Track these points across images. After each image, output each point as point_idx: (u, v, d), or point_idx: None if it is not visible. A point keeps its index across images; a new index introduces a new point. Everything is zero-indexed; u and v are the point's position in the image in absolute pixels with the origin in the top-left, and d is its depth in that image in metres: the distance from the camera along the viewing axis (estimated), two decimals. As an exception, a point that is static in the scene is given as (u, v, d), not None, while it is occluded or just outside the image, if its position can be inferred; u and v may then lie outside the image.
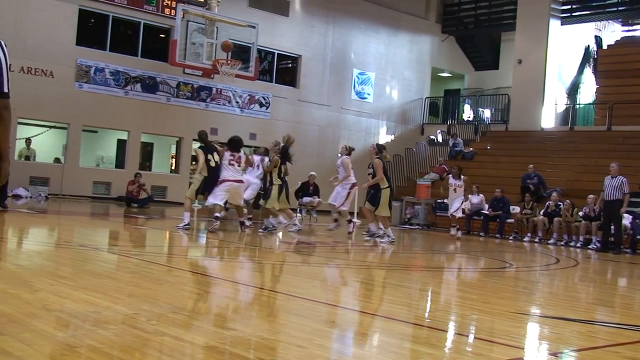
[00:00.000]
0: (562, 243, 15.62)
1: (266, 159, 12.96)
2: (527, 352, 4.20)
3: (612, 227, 14.14)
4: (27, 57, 18.40)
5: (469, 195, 17.21)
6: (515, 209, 17.34)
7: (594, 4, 24.62)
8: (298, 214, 16.80)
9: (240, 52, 20.41)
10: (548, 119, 24.08)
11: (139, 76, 20.45)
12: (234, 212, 12.84)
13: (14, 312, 3.97)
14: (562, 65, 24.85)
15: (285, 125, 23.13)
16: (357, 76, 25.45)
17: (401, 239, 14.86)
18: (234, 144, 11.60)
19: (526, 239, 16.32)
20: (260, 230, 12.34)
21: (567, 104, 24.78)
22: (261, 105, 22.99)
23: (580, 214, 15.55)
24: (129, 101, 20.29)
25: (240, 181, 11.66)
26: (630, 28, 26.70)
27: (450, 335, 4.58)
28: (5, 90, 3.35)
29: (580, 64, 25.68)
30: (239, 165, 11.54)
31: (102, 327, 3.77)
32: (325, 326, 4.52)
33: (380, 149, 12.13)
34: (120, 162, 21.62)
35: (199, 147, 12.17)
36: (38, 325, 3.69)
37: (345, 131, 25.08)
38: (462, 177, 14.92)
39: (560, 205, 16.11)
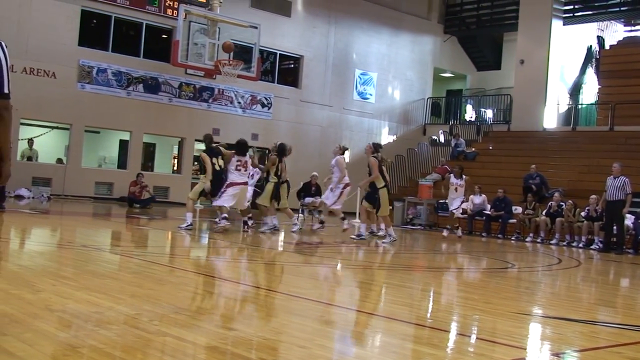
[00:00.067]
0: (564, 243, 15.59)
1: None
2: (529, 352, 4.20)
3: (615, 227, 14.12)
4: (29, 58, 18.43)
5: (471, 196, 17.20)
6: (518, 209, 17.32)
7: (596, 4, 24.59)
8: (300, 215, 16.81)
9: (242, 53, 20.43)
10: (550, 119, 24.05)
11: (141, 77, 20.46)
12: (235, 213, 12.85)
13: (16, 312, 3.98)
14: (564, 65, 24.82)
15: (287, 126, 23.16)
16: (359, 76, 25.45)
17: (403, 239, 14.85)
18: (241, 148, 11.74)
19: (528, 239, 16.30)
20: (263, 229, 12.42)
21: (569, 104, 24.75)
22: (263, 105, 23.00)
23: (583, 214, 15.53)
24: (131, 102, 20.31)
25: (246, 183, 11.83)
26: (633, 28, 26.64)
27: (452, 335, 4.57)
28: (6, 91, 3.35)
29: (583, 64, 25.65)
30: (245, 170, 11.65)
31: (104, 327, 3.78)
32: (326, 326, 4.52)
33: (376, 147, 12.12)
34: (122, 163, 21.64)
35: (204, 152, 12.17)
36: (40, 326, 3.69)
37: (347, 131, 25.08)
38: (463, 176, 14.91)
39: (562, 205, 16.09)
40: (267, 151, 13.69)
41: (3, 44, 3.40)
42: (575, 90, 25.34)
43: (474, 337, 4.55)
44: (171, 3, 20.66)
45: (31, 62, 18.54)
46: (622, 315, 6.28)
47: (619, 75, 22.93)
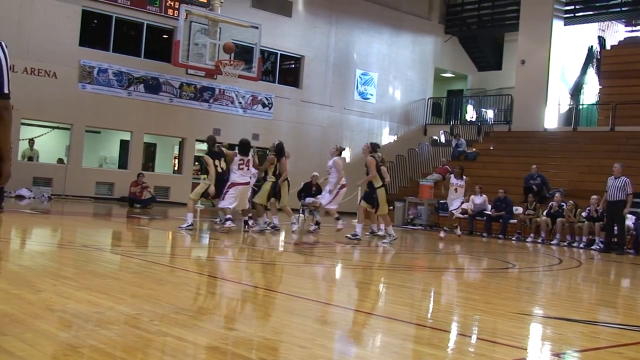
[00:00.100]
0: (565, 244, 15.59)
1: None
2: (530, 352, 4.20)
3: (615, 227, 14.11)
4: (30, 58, 18.44)
5: (472, 196, 17.20)
6: (518, 210, 17.32)
7: (597, 5, 24.57)
8: (300, 215, 16.80)
9: (243, 53, 20.43)
10: (551, 120, 24.04)
11: (142, 77, 20.47)
12: (236, 212, 12.86)
13: (17, 312, 3.98)
14: (565, 65, 24.81)
15: (288, 126, 23.15)
16: (359, 77, 25.45)
17: (404, 239, 14.85)
18: (244, 148, 11.80)
19: (529, 239, 16.29)
20: (267, 228, 12.49)
21: (570, 105, 24.74)
22: (264, 105, 23.00)
23: (584, 214, 15.52)
24: (132, 102, 20.31)
25: (247, 183, 11.88)
26: (634, 29, 26.62)
27: (453, 335, 4.57)
28: (6, 91, 3.36)
29: (584, 64, 25.63)
30: (247, 169, 11.70)
31: (104, 327, 3.78)
32: (327, 326, 4.52)
33: (374, 147, 12.12)
34: (123, 163, 21.64)
35: (207, 154, 12.15)
36: (41, 326, 3.70)
37: (348, 132, 25.09)
38: (464, 177, 14.88)
39: (563, 205, 16.08)
40: (267, 151, 13.69)
41: (3, 44, 3.41)
42: (576, 91, 25.32)
43: (474, 337, 4.55)
44: (172, 3, 20.67)
45: (32, 62, 18.54)
46: (622, 315, 6.28)
47: (620, 76, 22.92)
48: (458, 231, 15.36)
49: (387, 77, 26.37)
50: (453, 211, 14.99)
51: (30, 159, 19.37)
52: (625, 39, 26.05)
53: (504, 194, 17.40)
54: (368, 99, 25.73)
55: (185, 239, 10.91)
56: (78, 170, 19.62)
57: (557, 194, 16.74)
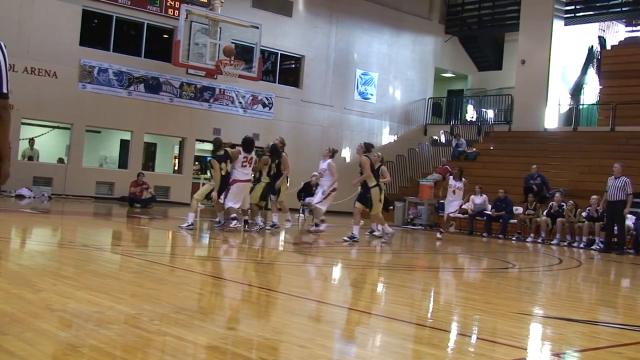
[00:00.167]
0: (565, 244, 15.59)
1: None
2: (530, 352, 4.20)
3: (616, 227, 14.11)
4: (30, 58, 18.44)
5: (472, 196, 17.21)
6: (518, 210, 17.32)
7: (597, 5, 24.56)
8: (300, 215, 16.83)
9: (243, 53, 20.43)
10: (551, 120, 24.03)
11: (142, 76, 20.47)
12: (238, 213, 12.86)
13: (17, 311, 3.98)
14: (565, 65, 24.81)
15: (288, 126, 23.14)
16: (360, 76, 25.45)
17: (404, 239, 14.85)
18: (248, 145, 11.85)
19: (529, 239, 16.29)
20: (267, 228, 12.52)
21: (570, 105, 24.74)
22: (264, 105, 23.00)
23: (584, 214, 15.52)
24: (132, 101, 20.31)
25: (249, 180, 11.97)
26: (634, 29, 26.62)
27: (453, 335, 4.57)
28: (5, 90, 3.36)
29: (584, 64, 25.63)
30: (250, 166, 11.79)
31: (104, 327, 3.78)
32: (327, 326, 4.52)
33: (367, 147, 12.13)
34: (123, 163, 21.64)
35: (213, 157, 12.11)
36: (41, 325, 3.70)
37: (348, 131, 25.09)
38: (462, 179, 14.82)
39: (563, 205, 16.08)
40: (263, 149, 13.71)
41: (2, 44, 3.40)
42: (577, 91, 25.32)
43: (474, 337, 4.55)
44: (172, 3, 20.67)
45: (32, 62, 18.55)
46: (622, 315, 6.28)
47: (620, 76, 22.93)
48: (452, 229, 15.30)
49: (388, 77, 26.37)
50: (450, 214, 14.87)
51: (30, 158, 19.37)
52: (625, 39, 26.05)
53: (504, 194, 17.39)
54: (368, 98, 25.72)
55: (185, 238, 10.91)
56: (78, 170, 19.62)
57: (557, 194, 16.74)
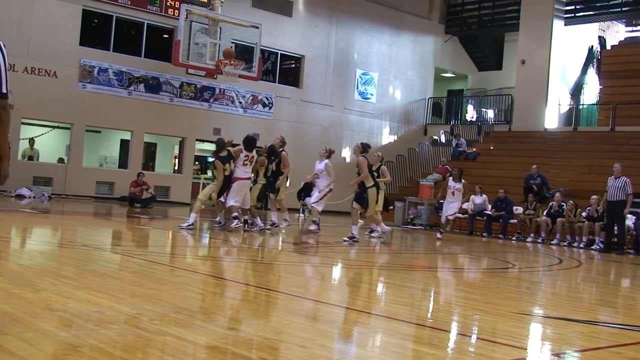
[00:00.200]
0: (565, 244, 15.59)
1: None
2: (530, 352, 4.20)
3: (616, 227, 14.11)
4: (30, 58, 18.43)
5: (472, 196, 17.20)
6: (518, 210, 17.32)
7: (597, 5, 24.56)
8: (300, 215, 16.82)
9: (243, 53, 20.43)
10: (551, 120, 24.03)
11: (142, 76, 20.47)
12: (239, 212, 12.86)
13: (17, 311, 3.98)
14: (565, 65, 24.80)
15: (288, 126, 23.13)
16: (360, 76, 25.44)
17: (404, 239, 14.85)
18: (249, 144, 11.88)
19: (529, 239, 16.29)
20: (267, 228, 12.53)
21: (570, 105, 24.73)
22: (264, 105, 23.00)
23: (584, 214, 15.52)
24: (132, 101, 20.31)
25: (249, 178, 11.98)
26: (634, 29, 26.61)
27: (453, 335, 4.57)
28: (4, 90, 3.36)
29: (584, 64, 25.63)
30: (251, 164, 11.84)
31: (104, 326, 3.78)
32: (327, 326, 4.52)
33: (365, 147, 12.12)
34: (123, 162, 21.64)
35: (216, 159, 12.11)
36: (41, 325, 3.70)
37: (348, 131, 25.08)
38: (462, 180, 14.75)
39: (563, 205, 16.08)
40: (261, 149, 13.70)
41: (2, 44, 3.40)
42: (577, 91, 25.32)
43: (474, 337, 4.55)
44: (172, 3, 20.66)
45: (32, 62, 18.54)
46: (622, 315, 6.28)
47: (620, 76, 22.92)
48: (448, 228, 15.28)
49: (388, 77, 26.36)
50: (448, 217, 14.73)
51: (30, 158, 19.36)
52: (625, 39, 26.05)
53: (504, 194, 17.40)
54: (368, 98, 25.72)
55: (185, 238, 10.91)
56: (78, 169, 19.61)
57: (557, 194, 16.74)
